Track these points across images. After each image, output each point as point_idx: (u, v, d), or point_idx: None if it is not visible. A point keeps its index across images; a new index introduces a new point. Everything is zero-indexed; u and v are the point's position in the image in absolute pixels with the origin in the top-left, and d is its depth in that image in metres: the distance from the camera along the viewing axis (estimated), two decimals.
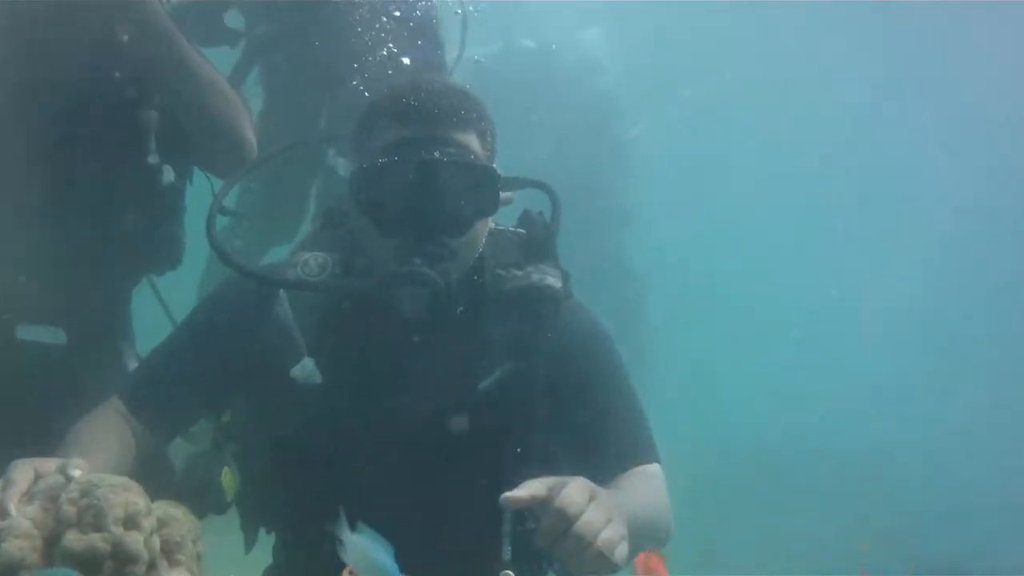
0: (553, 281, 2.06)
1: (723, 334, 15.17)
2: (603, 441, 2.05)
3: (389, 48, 3.82)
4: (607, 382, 2.11)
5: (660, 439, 2.11)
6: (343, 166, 2.05)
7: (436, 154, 1.91)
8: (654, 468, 2.07)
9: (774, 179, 15.20)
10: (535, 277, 2.05)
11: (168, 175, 2.47)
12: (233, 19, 3.98)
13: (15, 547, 1.35)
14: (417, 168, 1.90)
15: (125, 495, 1.41)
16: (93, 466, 1.69)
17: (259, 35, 3.93)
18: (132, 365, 2.58)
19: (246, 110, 2.58)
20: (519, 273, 2.07)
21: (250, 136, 2.54)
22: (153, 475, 2.18)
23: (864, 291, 15.73)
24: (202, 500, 2.07)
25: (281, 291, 2.06)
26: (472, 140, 1.98)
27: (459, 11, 4.24)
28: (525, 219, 2.18)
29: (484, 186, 1.97)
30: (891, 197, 15.64)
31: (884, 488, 10.71)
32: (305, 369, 1.99)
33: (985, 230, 15.38)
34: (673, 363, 10.95)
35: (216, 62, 2.57)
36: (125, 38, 2.37)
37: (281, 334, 2.03)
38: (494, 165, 2.03)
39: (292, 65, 4.02)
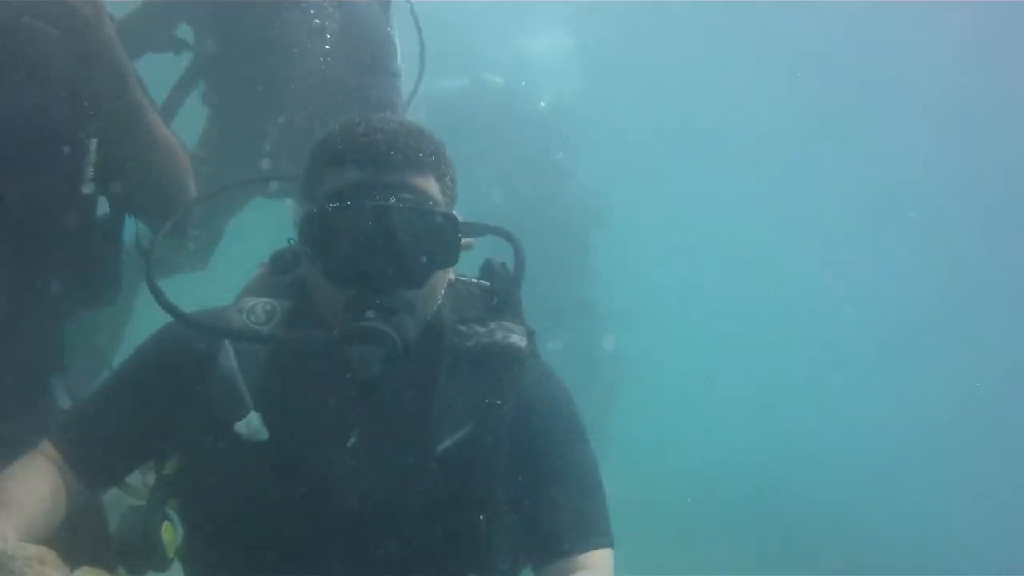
0: (517, 340, 1.96)
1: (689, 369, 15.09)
2: (556, 517, 1.92)
3: (341, 75, 3.69)
4: (566, 453, 1.98)
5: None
6: (292, 209, 1.93)
7: (392, 200, 1.80)
8: (603, 556, 1.93)
9: (741, 204, 15.25)
10: (498, 335, 1.96)
11: (103, 207, 2.33)
12: (183, 32, 3.87)
13: None
14: (371, 215, 1.79)
15: (40, 569, 1.33)
16: (19, 520, 1.66)
17: (206, 50, 3.78)
18: (63, 400, 2.44)
19: (189, 162, 2.48)
20: (481, 329, 1.97)
21: (191, 190, 2.45)
22: (85, 527, 2.07)
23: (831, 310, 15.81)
24: (141, 556, 1.94)
25: (226, 340, 1.94)
26: (431, 185, 1.88)
27: None
28: (487, 270, 2.09)
29: (444, 235, 1.85)
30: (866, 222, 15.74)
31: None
32: (251, 425, 1.87)
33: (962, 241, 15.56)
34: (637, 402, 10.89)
35: (158, 71, 2.46)
36: (71, 61, 2.24)
37: (225, 386, 1.91)
38: (454, 211, 1.93)
39: (238, 85, 3.83)
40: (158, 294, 1.91)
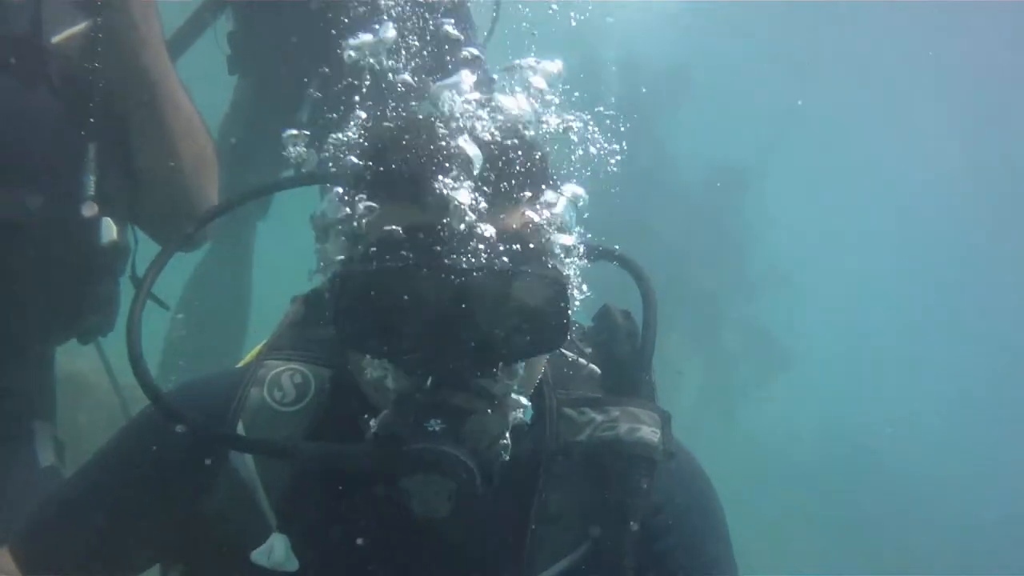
0: (649, 433, 1.40)
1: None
2: None
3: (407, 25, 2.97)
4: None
5: None
6: (332, 247, 1.35)
7: (468, 259, 1.21)
8: None
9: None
10: (623, 427, 1.39)
11: (109, 232, 1.82)
12: None
13: None
14: (435, 283, 1.22)
15: None
16: None
17: None
18: (46, 455, 2.00)
19: (216, 162, 1.94)
20: (598, 418, 1.41)
21: (213, 192, 1.92)
22: None
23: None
24: None
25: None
26: (529, 219, 1.29)
27: None
28: (605, 323, 1.52)
29: (547, 307, 1.27)
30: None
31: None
32: (274, 553, 1.34)
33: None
34: None
35: None
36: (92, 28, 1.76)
37: (238, 497, 1.38)
38: (561, 263, 1.33)
39: (271, 35, 3.06)
40: (142, 372, 1.37)
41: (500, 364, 1.25)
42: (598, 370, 1.47)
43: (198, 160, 1.92)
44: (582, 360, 1.48)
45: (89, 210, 1.77)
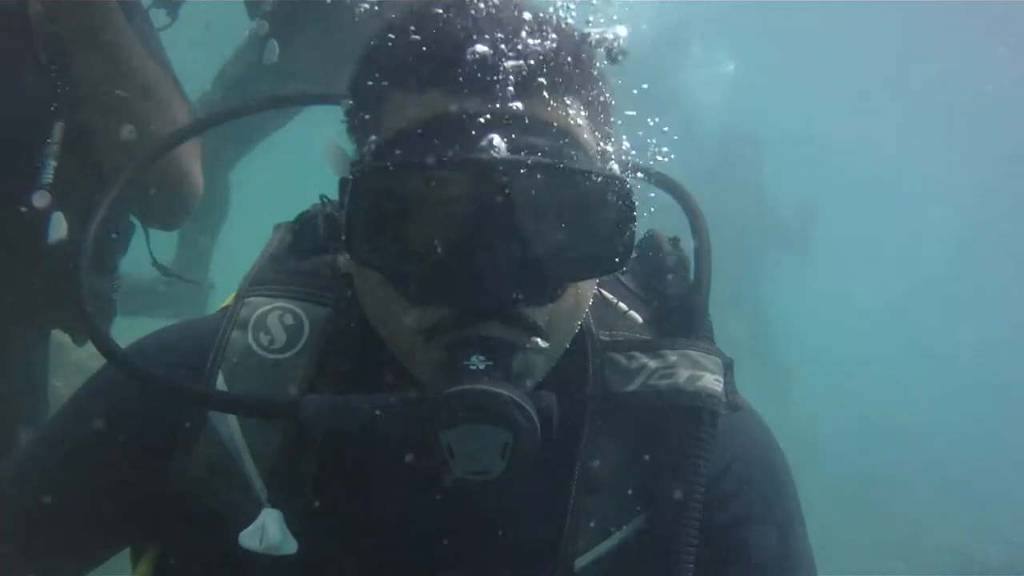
0: (712, 382, 1.16)
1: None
2: None
3: None
4: (778, 556, 1.22)
5: None
6: (335, 157, 1.09)
7: (509, 150, 0.97)
8: None
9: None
10: (681, 374, 1.16)
11: (58, 229, 1.59)
12: None
13: None
14: (473, 180, 0.98)
15: None
16: None
17: None
18: None
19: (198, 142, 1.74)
20: (652, 364, 1.17)
21: (197, 182, 1.73)
22: None
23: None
24: None
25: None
26: (578, 119, 1.04)
27: None
28: (651, 252, 1.28)
29: (610, 217, 1.03)
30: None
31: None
32: (267, 534, 1.10)
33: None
34: None
35: None
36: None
37: (218, 465, 1.14)
38: (613, 165, 1.09)
39: None
40: (98, 334, 1.13)
41: (549, 287, 1.01)
42: (639, 318, 1.23)
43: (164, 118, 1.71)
44: (622, 305, 1.24)
45: (41, 200, 1.55)
